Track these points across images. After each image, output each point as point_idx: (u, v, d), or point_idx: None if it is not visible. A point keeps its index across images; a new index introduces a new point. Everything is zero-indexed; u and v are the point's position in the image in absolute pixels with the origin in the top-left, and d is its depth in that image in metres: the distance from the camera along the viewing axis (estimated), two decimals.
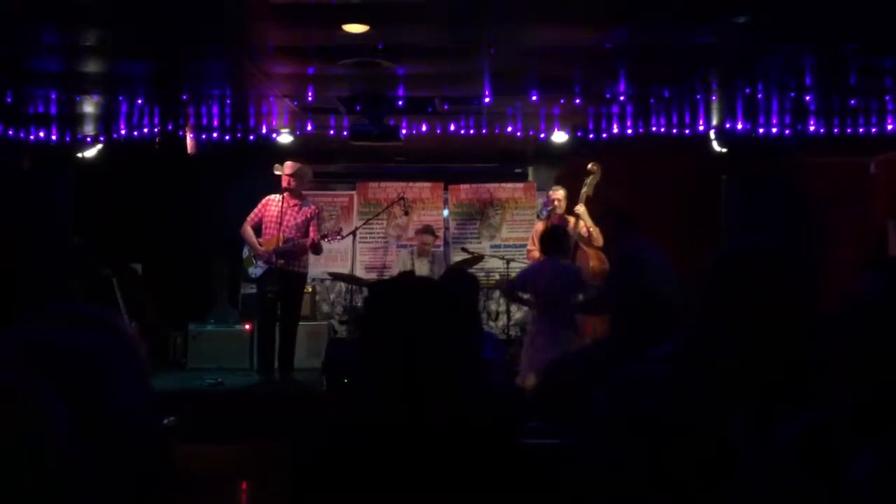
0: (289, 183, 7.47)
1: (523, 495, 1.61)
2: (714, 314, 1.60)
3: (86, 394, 1.09)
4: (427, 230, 8.93)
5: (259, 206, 7.63)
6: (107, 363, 1.15)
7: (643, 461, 1.48)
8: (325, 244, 7.83)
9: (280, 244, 7.37)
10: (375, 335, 1.70)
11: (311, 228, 7.51)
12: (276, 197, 7.57)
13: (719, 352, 1.55)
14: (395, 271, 8.86)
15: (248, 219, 7.62)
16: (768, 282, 1.57)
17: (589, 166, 7.79)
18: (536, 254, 7.89)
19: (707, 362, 1.55)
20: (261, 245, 7.49)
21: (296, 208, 7.49)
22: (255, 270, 7.52)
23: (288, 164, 7.56)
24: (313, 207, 7.63)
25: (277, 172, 7.61)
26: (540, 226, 8.16)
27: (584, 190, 7.71)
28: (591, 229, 7.61)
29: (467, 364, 1.69)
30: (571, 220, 7.71)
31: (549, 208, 7.99)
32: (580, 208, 7.66)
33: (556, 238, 6.51)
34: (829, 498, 1.28)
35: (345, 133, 8.53)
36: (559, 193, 7.97)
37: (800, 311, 1.56)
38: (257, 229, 7.60)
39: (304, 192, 7.71)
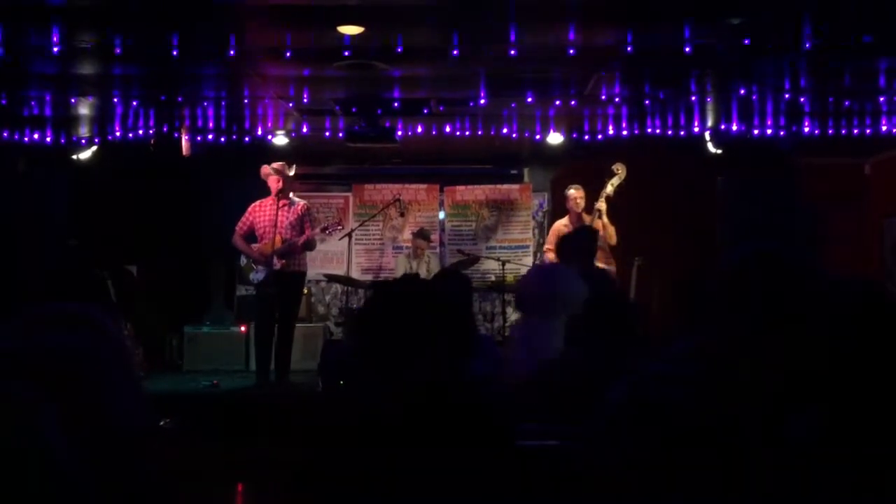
0: (283, 183, 7.49)
1: (521, 496, 1.61)
2: (725, 316, 1.61)
3: (73, 395, 1.09)
4: (421, 234, 8.92)
5: (247, 214, 7.58)
6: (93, 363, 1.15)
7: (658, 455, 1.49)
8: (321, 245, 7.83)
9: (279, 245, 7.37)
10: (377, 336, 1.70)
11: (305, 225, 7.52)
12: (263, 201, 7.56)
13: (732, 352, 1.56)
14: (397, 274, 8.85)
15: (237, 229, 7.58)
16: (779, 285, 1.59)
17: (614, 167, 7.81)
18: (552, 255, 7.87)
19: (720, 362, 1.56)
20: (258, 250, 7.47)
21: (286, 208, 7.48)
22: (257, 276, 7.50)
23: (277, 165, 7.55)
24: (303, 203, 7.63)
25: (275, 174, 7.57)
26: (558, 225, 8.10)
27: (606, 190, 7.72)
28: (606, 227, 7.65)
29: (464, 365, 1.70)
30: (588, 218, 7.73)
31: (575, 209, 7.91)
32: (601, 205, 7.67)
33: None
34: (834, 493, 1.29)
35: (340, 135, 8.53)
36: (580, 192, 7.94)
37: (809, 313, 1.57)
38: (250, 236, 7.58)
39: (293, 193, 7.73)
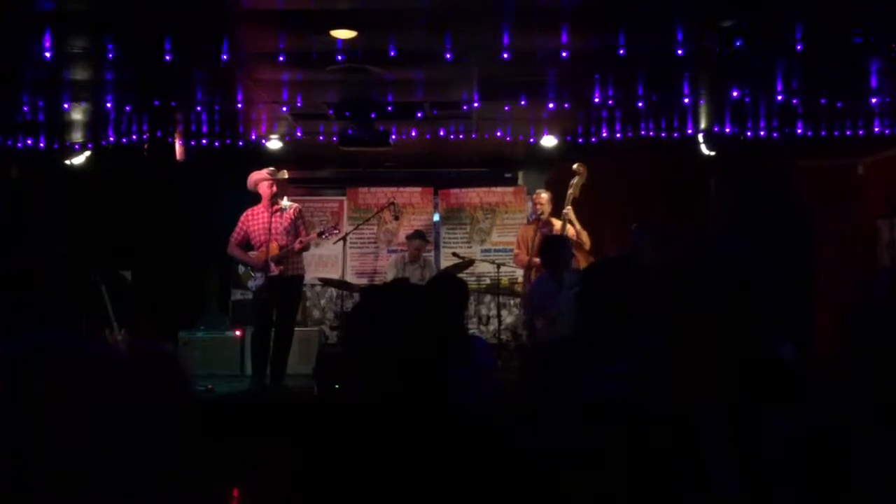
0: (276, 188, 7.49)
1: (515, 498, 1.61)
2: (665, 315, 1.61)
3: None
4: (417, 236, 8.91)
5: (240, 222, 7.55)
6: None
7: (613, 450, 1.49)
8: (316, 248, 7.81)
9: (276, 252, 7.34)
10: (364, 340, 1.70)
11: (299, 228, 7.51)
12: (256, 208, 7.54)
13: (675, 350, 1.56)
14: (387, 277, 8.85)
15: (233, 238, 7.54)
16: (709, 284, 1.57)
17: (574, 167, 7.71)
18: (523, 257, 7.90)
19: (667, 359, 1.56)
20: (255, 258, 7.44)
21: (279, 213, 7.47)
22: (256, 282, 7.46)
23: (269, 170, 7.54)
24: (295, 206, 7.61)
25: (269, 178, 7.54)
26: (524, 228, 8.18)
27: (570, 192, 7.64)
28: (579, 233, 7.59)
29: (456, 368, 1.70)
30: (558, 223, 7.68)
31: (538, 213, 7.98)
32: (568, 211, 7.61)
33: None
34: (835, 493, 1.29)
35: (334, 139, 8.53)
36: (543, 197, 7.95)
37: (750, 310, 1.56)
38: (245, 244, 7.54)
39: (285, 197, 7.72)
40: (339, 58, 6.12)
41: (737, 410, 1.44)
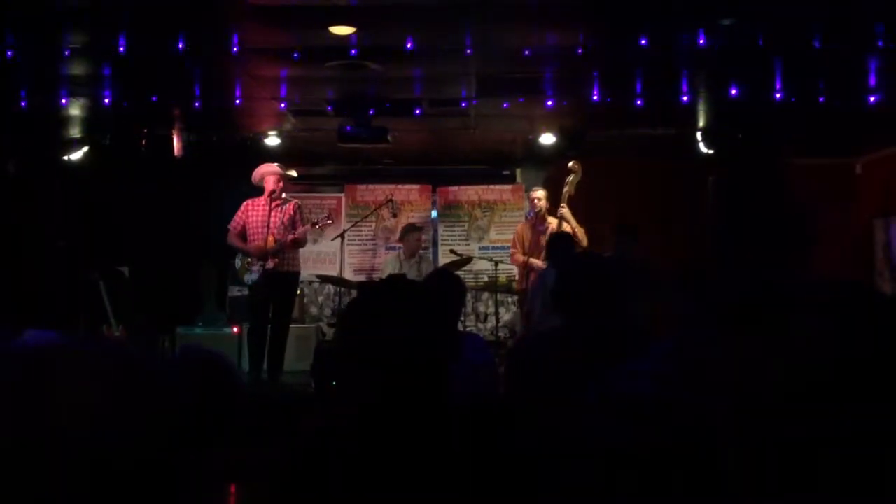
0: (282, 183, 7.50)
1: (509, 498, 1.61)
2: (700, 316, 1.61)
3: None
4: (411, 229, 8.85)
5: (239, 212, 7.57)
6: None
7: (634, 450, 1.49)
8: (314, 245, 7.82)
9: (273, 245, 7.35)
10: (358, 336, 1.70)
11: (297, 224, 7.52)
12: (256, 200, 7.55)
13: (706, 352, 1.57)
14: (384, 274, 8.84)
15: (232, 227, 7.57)
16: (748, 288, 1.59)
17: (570, 165, 7.71)
18: (519, 257, 7.90)
19: (695, 361, 1.56)
20: (254, 247, 7.45)
21: (279, 208, 7.48)
22: (252, 276, 7.47)
23: (278, 166, 7.55)
24: (294, 202, 7.64)
25: (275, 174, 7.53)
26: (520, 227, 8.18)
27: (565, 189, 7.64)
28: (575, 230, 7.59)
29: (451, 366, 1.70)
30: (554, 221, 7.68)
31: (535, 210, 7.97)
32: (564, 209, 7.61)
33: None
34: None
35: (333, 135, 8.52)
36: (539, 193, 7.94)
37: (785, 314, 1.57)
38: (243, 235, 7.56)
39: (284, 193, 7.73)
40: (338, 54, 6.12)
41: (768, 410, 1.45)
